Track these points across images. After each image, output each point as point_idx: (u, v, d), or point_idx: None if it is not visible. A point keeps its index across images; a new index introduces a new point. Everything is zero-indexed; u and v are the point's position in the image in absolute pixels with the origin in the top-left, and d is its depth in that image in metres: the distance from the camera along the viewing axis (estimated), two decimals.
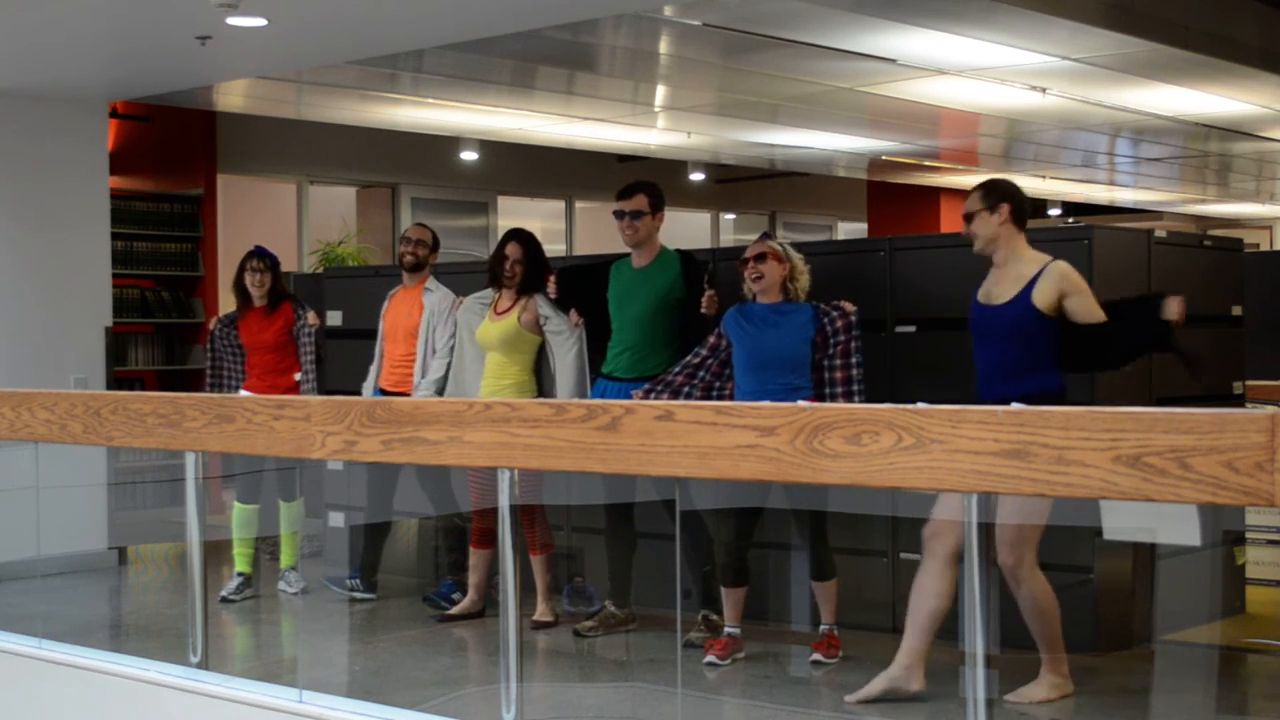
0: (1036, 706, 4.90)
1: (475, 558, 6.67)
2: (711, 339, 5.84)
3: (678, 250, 6.43)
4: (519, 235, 6.71)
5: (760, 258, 5.68)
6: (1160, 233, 6.31)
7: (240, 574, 7.29)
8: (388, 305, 7.22)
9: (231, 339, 7.42)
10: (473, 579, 6.69)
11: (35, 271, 8.23)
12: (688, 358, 5.93)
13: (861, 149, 12.24)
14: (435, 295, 7.03)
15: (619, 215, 6.30)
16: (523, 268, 6.57)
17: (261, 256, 7.39)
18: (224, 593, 7.24)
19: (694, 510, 5.92)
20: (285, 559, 7.45)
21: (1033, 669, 5.01)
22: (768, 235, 5.90)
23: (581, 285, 6.53)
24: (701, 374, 5.85)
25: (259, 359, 7.34)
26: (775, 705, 5.34)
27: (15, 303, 8.14)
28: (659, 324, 6.25)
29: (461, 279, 7.28)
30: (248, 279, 7.34)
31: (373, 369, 7.23)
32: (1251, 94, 9.41)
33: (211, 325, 7.58)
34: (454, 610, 6.66)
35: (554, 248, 13.47)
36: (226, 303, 11.37)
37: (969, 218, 5.16)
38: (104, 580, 8.11)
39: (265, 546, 7.93)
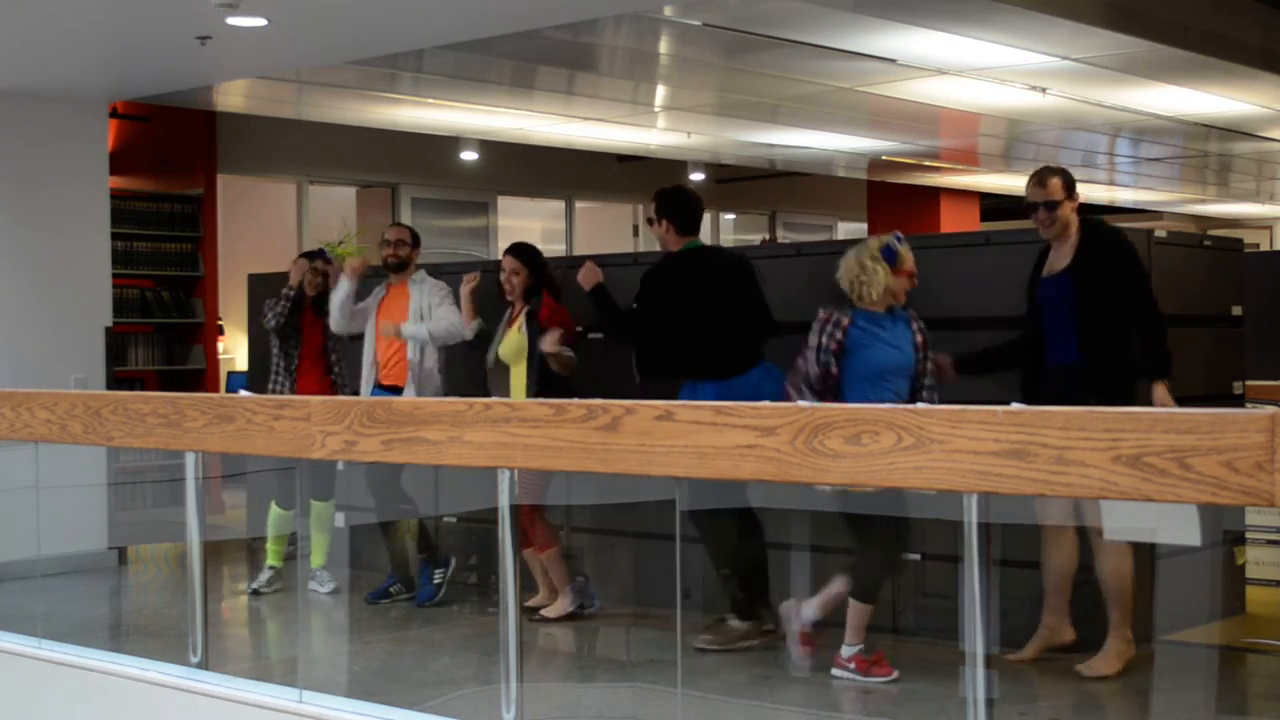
0: (1108, 679, 5.25)
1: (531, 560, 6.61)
2: (834, 346, 5.44)
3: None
4: (514, 249, 6.80)
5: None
6: (1160, 233, 6.31)
7: (271, 567, 7.39)
8: (380, 305, 7.24)
9: (295, 324, 7.40)
10: (549, 579, 6.64)
11: (36, 272, 8.22)
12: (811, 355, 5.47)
13: (861, 149, 12.24)
14: (425, 285, 7.15)
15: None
16: (520, 280, 6.65)
17: (326, 257, 7.50)
18: (255, 585, 7.34)
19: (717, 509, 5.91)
20: (316, 559, 7.46)
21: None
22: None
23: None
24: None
25: (312, 364, 7.38)
26: (775, 705, 5.34)
27: (15, 303, 8.14)
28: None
29: (461, 279, 7.28)
30: (308, 279, 7.39)
31: (367, 371, 7.23)
32: (1251, 94, 9.41)
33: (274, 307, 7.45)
34: (548, 613, 6.55)
35: (554, 248, 13.47)
36: (226, 303, 11.39)
37: (1053, 205, 5.46)
38: (104, 580, 8.11)
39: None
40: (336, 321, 7.24)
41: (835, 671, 5.38)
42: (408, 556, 7.24)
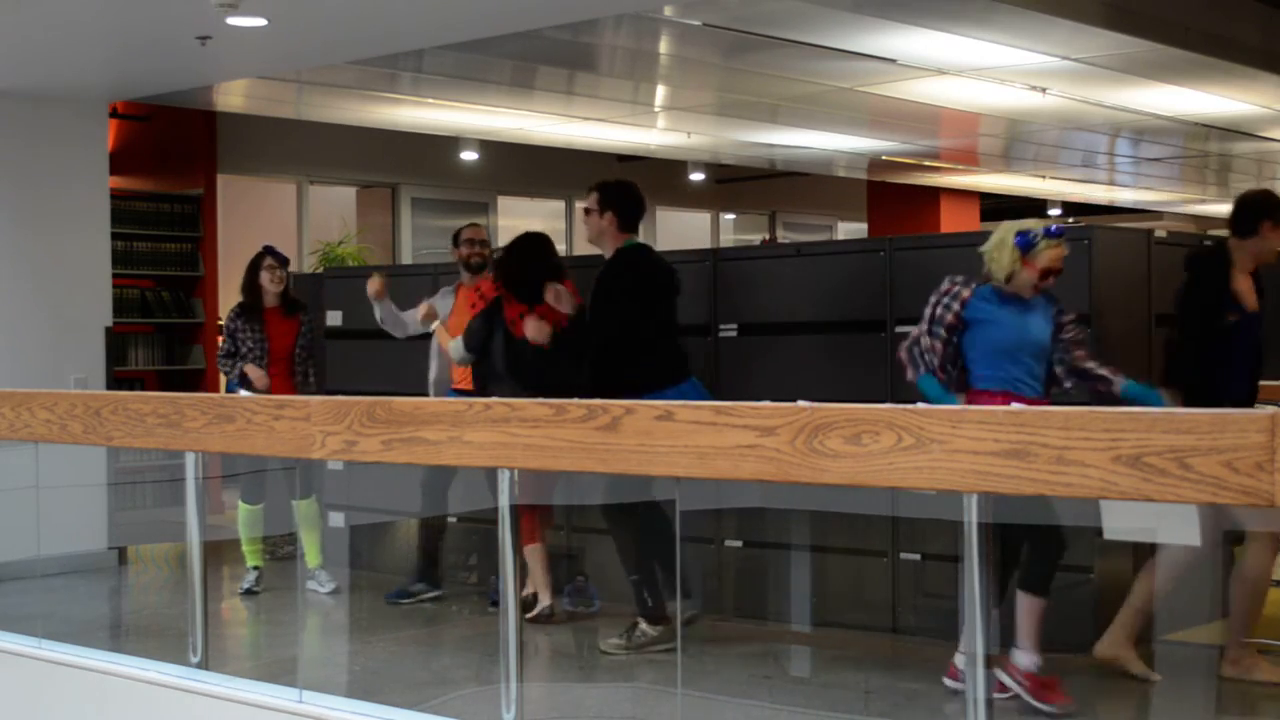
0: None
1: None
2: (951, 318, 5.04)
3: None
4: (508, 247, 6.71)
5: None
6: (1160, 233, 6.31)
7: (255, 568, 7.38)
8: (453, 305, 7.15)
9: (255, 329, 7.35)
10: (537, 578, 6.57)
11: (35, 272, 8.22)
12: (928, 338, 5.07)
13: (861, 149, 12.24)
14: None
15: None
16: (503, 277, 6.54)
17: (277, 255, 7.43)
18: (246, 586, 7.32)
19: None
20: (311, 558, 7.43)
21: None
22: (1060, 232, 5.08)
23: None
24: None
25: (282, 367, 7.36)
26: (775, 705, 5.34)
27: (15, 303, 8.13)
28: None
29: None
30: (265, 276, 7.35)
31: (436, 364, 7.17)
32: (1251, 94, 9.41)
33: (226, 319, 7.51)
34: (530, 615, 6.43)
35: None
36: (226, 303, 11.37)
37: None
38: (104, 580, 8.11)
39: (265, 546, 7.95)
40: (398, 332, 7.25)
41: (1001, 676, 4.78)
42: (439, 557, 7.19)
